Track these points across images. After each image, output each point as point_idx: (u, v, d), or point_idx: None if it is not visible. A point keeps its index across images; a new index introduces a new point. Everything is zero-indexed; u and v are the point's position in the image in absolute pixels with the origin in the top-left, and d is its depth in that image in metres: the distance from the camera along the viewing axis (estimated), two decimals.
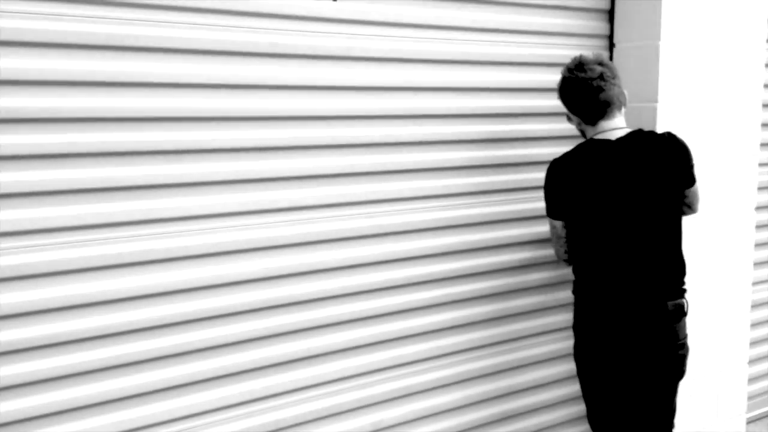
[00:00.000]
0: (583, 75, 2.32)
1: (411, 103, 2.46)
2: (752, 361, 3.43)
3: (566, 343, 3.00)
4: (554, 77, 2.61)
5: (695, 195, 2.41)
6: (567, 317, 2.97)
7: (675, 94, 2.78)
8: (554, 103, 2.55)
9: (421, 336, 2.62)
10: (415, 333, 2.61)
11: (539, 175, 2.77)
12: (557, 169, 2.41)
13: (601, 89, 2.30)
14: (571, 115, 2.44)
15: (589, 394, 2.50)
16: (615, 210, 2.29)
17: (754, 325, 3.43)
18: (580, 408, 3.09)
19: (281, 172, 2.25)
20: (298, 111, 2.25)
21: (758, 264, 3.36)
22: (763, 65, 3.07)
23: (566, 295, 2.95)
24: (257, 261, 2.23)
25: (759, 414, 3.69)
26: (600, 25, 2.89)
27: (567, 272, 2.94)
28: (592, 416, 2.53)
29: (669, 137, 2.33)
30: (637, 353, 2.32)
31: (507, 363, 2.84)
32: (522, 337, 2.87)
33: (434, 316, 2.64)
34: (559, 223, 2.46)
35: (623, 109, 2.40)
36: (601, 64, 2.34)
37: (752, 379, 3.48)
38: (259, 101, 2.18)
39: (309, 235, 2.31)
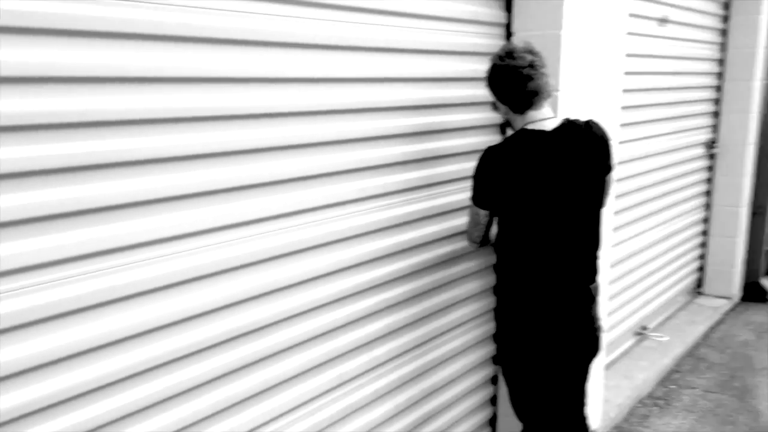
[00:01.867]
0: (513, 63, 2.26)
1: (314, 96, 2.14)
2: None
3: (478, 331, 3.03)
4: (449, 64, 2.59)
5: (610, 182, 2.50)
6: (477, 306, 2.99)
7: (573, 82, 2.86)
8: (453, 93, 2.57)
9: (360, 348, 2.45)
10: (355, 346, 2.43)
11: (451, 168, 2.73)
12: (493, 158, 2.32)
13: (530, 78, 2.26)
14: (499, 104, 2.38)
15: (515, 375, 2.51)
16: (551, 200, 2.29)
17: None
18: (490, 391, 3.16)
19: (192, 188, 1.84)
20: (205, 109, 1.83)
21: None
22: (624, 54, 3.29)
23: (477, 285, 2.97)
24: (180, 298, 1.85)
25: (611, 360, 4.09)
26: (498, 14, 2.86)
27: (477, 263, 2.95)
28: (517, 397, 2.54)
29: (596, 127, 2.38)
30: (566, 334, 2.39)
31: (430, 362, 2.78)
32: (441, 333, 2.82)
33: (371, 325, 2.48)
34: (484, 212, 2.41)
35: (549, 99, 2.39)
36: (531, 52, 2.29)
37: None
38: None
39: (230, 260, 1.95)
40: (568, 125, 2.33)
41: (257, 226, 2.01)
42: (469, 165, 2.79)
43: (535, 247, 2.33)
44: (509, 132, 2.45)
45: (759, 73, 5.27)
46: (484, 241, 2.52)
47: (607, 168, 2.42)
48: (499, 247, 2.46)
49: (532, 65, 2.26)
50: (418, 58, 2.50)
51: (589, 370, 2.54)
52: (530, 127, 2.30)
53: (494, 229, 2.52)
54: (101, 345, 1.68)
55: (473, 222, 2.46)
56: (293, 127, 2.07)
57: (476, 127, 2.84)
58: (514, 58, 2.26)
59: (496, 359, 2.70)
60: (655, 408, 3.87)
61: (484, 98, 2.81)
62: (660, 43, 4.32)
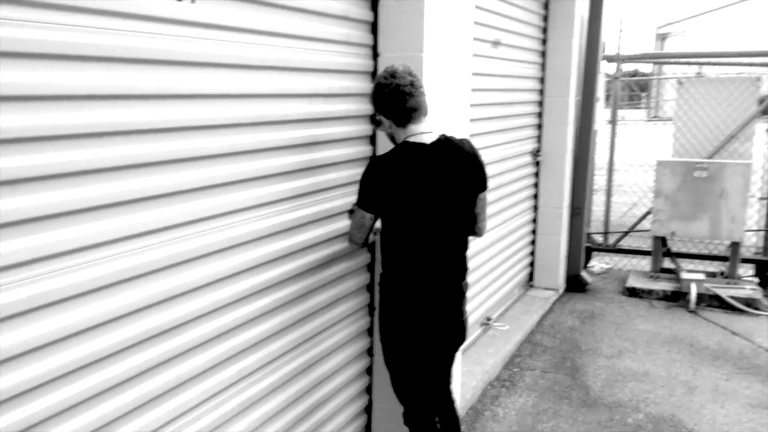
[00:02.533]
0: (396, 82, 2.59)
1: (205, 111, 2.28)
2: None
3: (355, 326, 3.29)
4: (325, 82, 2.84)
5: (485, 201, 2.86)
6: (354, 303, 3.25)
7: (434, 98, 3.21)
8: (329, 108, 2.84)
9: (257, 345, 2.63)
10: (253, 343, 2.60)
11: (330, 176, 2.98)
12: (380, 166, 2.62)
13: (411, 95, 2.60)
14: (383, 119, 2.68)
15: (396, 362, 2.80)
16: (430, 206, 2.62)
17: None
18: (366, 380, 3.43)
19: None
20: (103, 125, 1.90)
21: None
22: (471, 73, 3.71)
23: (354, 283, 3.23)
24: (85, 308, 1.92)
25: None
26: (366, 36, 3.16)
27: (354, 263, 3.22)
28: (398, 382, 2.85)
29: (469, 145, 2.75)
30: (442, 325, 2.74)
31: (316, 355, 3.00)
32: (325, 328, 3.05)
33: (265, 323, 2.66)
34: (369, 215, 2.67)
35: (427, 115, 2.72)
36: (410, 74, 2.63)
37: None
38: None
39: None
40: (445, 141, 2.67)
41: (160, 234, 2.13)
42: (346, 173, 3.08)
43: (414, 247, 2.64)
44: (381, 143, 2.76)
45: (572, 90, 6.01)
46: (365, 243, 2.80)
47: (480, 184, 2.77)
48: (383, 246, 2.74)
49: (412, 84, 2.60)
50: (299, 76, 2.72)
51: (455, 356, 2.90)
52: (411, 140, 2.62)
53: (373, 236, 2.81)
54: (12, 356, 1.72)
55: (358, 224, 2.71)
56: (191, 141, 2.21)
57: (350, 138, 3.10)
58: (396, 78, 2.58)
59: (371, 351, 3.00)
60: (503, 389, 4.34)
61: (356, 112, 3.11)
62: (494, 63, 4.85)
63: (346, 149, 3.09)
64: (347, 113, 3.05)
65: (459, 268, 2.76)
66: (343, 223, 3.05)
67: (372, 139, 3.27)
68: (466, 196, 2.73)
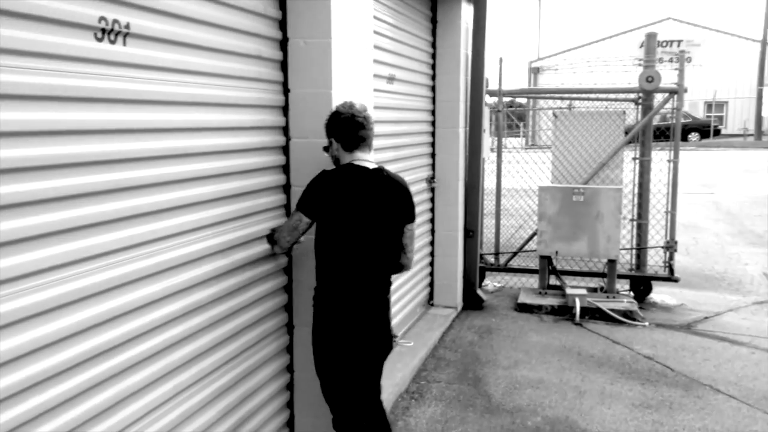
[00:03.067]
0: (353, 112, 2.99)
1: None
2: None
3: (277, 342, 3.46)
4: (238, 116, 3.05)
5: (413, 233, 3.17)
6: (275, 322, 3.43)
7: None
8: (245, 140, 3.09)
9: (188, 363, 2.76)
10: (184, 362, 2.73)
11: (249, 204, 3.17)
12: (327, 177, 2.94)
13: (363, 126, 3.00)
14: (334, 142, 3.02)
15: (328, 371, 3.01)
16: (365, 220, 2.92)
17: None
18: (287, 378, 3.58)
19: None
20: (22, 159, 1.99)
21: None
22: (373, 107, 4.01)
23: (273, 303, 3.41)
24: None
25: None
26: (276, 73, 3.38)
27: (272, 283, 3.40)
28: (329, 390, 3.05)
29: (403, 180, 3.13)
30: (373, 334, 2.99)
31: (242, 371, 3.15)
32: (249, 347, 3.21)
33: (196, 342, 2.80)
34: (306, 219, 2.93)
35: (371, 150, 3.08)
36: (365, 110, 3.04)
37: None
38: None
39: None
40: (383, 170, 3.03)
41: (93, 261, 2.26)
42: (262, 201, 3.27)
43: (346, 258, 2.91)
44: (295, 173, 3.07)
45: (461, 121, 6.45)
46: (289, 249, 3.06)
47: (409, 215, 3.10)
48: (318, 259, 2.98)
49: (365, 119, 3.00)
50: (215, 111, 2.91)
51: (383, 366, 3.14)
52: (356, 163, 2.96)
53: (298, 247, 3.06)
54: None
55: (292, 227, 2.96)
56: (120, 173, 2.36)
57: (264, 168, 3.31)
58: (353, 110, 2.99)
59: (291, 367, 3.19)
60: (413, 400, 4.60)
61: (269, 144, 3.32)
62: (390, 97, 5.18)
63: (260, 178, 3.28)
64: (261, 144, 3.26)
65: (384, 283, 3.02)
66: (262, 248, 3.24)
67: (285, 169, 3.48)
68: (397, 221, 3.04)
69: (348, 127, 2.98)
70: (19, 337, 1.99)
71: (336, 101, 3.40)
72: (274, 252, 3.17)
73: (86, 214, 2.23)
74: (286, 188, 3.49)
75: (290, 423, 3.66)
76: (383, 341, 3.04)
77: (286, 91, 3.45)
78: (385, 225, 2.99)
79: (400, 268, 3.18)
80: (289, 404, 3.64)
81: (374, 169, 2.99)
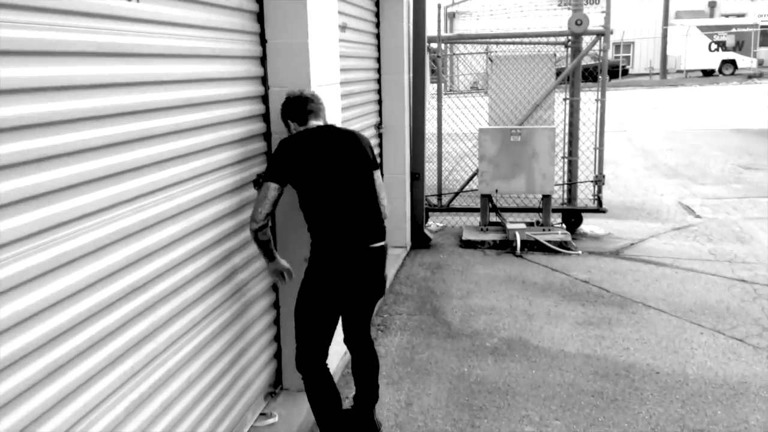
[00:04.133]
0: (300, 92, 3.37)
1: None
2: None
3: (263, 283, 3.69)
4: (219, 68, 3.16)
5: (380, 180, 3.41)
6: (261, 264, 3.64)
7: (318, 78, 3.68)
8: (223, 91, 3.20)
9: (179, 314, 2.89)
10: (176, 312, 2.84)
11: (239, 151, 3.35)
12: (287, 142, 3.16)
13: (311, 101, 3.36)
14: (290, 122, 3.35)
15: (310, 316, 3.23)
16: (335, 170, 3.15)
17: None
18: (275, 330, 3.85)
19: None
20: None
21: None
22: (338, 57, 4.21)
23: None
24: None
25: None
26: (253, 24, 3.53)
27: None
28: (305, 332, 3.25)
29: (355, 131, 3.39)
30: (370, 280, 3.26)
31: (235, 311, 3.39)
32: (238, 289, 3.43)
33: (187, 292, 2.94)
34: (274, 185, 3.09)
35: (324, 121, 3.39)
36: (312, 92, 3.41)
37: None
38: None
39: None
40: (333, 126, 3.34)
41: (78, 223, 2.21)
42: (245, 149, 3.45)
43: (329, 208, 3.14)
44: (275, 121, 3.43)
45: (406, 68, 6.69)
46: (265, 220, 3.11)
47: (370, 161, 3.33)
48: (307, 219, 3.20)
49: (313, 95, 3.37)
50: (192, 63, 2.95)
51: (375, 306, 3.45)
52: (310, 127, 3.28)
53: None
54: None
55: (261, 197, 3.08)
56: (101, 130, 2.31)
57: (242, 118, 3.44)
58: (301, 94, 3.36)
59: (277, 304, 3.45)
60: (379, 332, 4.94)
61: (246, 94, 3.49)
62: (344, 45, 5.36)
63: (240, 128, 3.44)
64: (238, 95, 3.40)
65: (377, 229, 3.25)
66: (249, 193, 3.44)
67: (266, 117, 3.67)
68: (362, 168, 3.26)
69: (298, 105, 3.35)
70: (52, 285, 2.10)
71: (313, 51, 3.60)
72: (252, 229, 3.13)
73: (91, 169, 2.25)
74: (267, 136, 3.68)
75: (278, 354, 3.94)
76: (376, 285, 3.30)
77: (263, 42, 3.61)
78: (352, 172, 3.20)
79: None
80: (276, 337, 3.90)
81: (325, 126, 3.33)
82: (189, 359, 2.95)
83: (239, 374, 3.44)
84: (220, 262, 3.23)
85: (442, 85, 7.91)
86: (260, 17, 3.59)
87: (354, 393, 3.60)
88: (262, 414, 3.68)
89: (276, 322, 3.89)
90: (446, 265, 6.57)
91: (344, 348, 3.57)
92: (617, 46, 37.27)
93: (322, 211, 3.15)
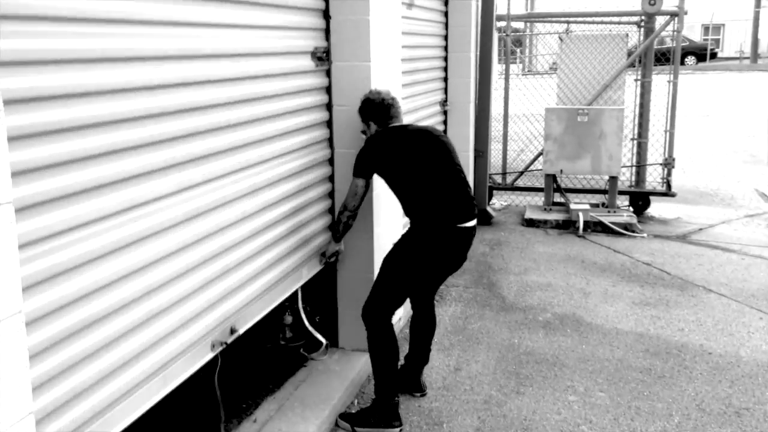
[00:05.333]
0: (382, 97, 3.57)
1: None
2: None
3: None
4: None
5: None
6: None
7: (378, 53, 3.83)
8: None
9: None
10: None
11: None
12: (378, 143, 3.47)
13: (393, 106, 3.58)
14: (372, 124, 3.57)
15: (399, 286, 3.47)
16: (430, 164, 3.38)
17: None
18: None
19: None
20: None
21: None
22: (401, 33, 4.34)
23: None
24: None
25: None
26: (317, 1, 3.71)
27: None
28: (388, 298, 3.48)
29: (432, 127, 3.67)
30: (458, 256, 3.52)
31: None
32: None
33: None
34: (362, 182, 3.44)
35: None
36: (389, 94, 3.60)
37: None
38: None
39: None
40: (409, 125, 3.63)
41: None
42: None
43: (425, 195, 3.36)
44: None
45: (473, 46, 6.75)
46: (355, 210, 3.52)
47: (454, 151, 3.55)
48: (406, 210, 3.45)
49: (393, 99, 3.57)
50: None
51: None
52: (391, 126, 3.55)
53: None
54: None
55: (352, 193, 3.47)
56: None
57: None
58: (381, 95, 3.56)
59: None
60: (435, 302, 5.08)
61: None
62: (409, 23, 5.48)
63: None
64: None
65: (469, 209, 3.45)
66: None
67: (328, 90, 3.86)
68: (450, 155, 3.47)
69: (381, 110, 3.54)
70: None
71: (374, 29, 3.75)
72: (344, 215, 3.54)
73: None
74: (329, 124, 3.91)
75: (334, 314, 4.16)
76: (461, 261, 3.57)
77: (327, 17, 3.78)
78: (442, 161, 3.41)
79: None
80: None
81: (405, 125, 3.58)
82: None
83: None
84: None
85: (519, 65, 7.90)
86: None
87: (407, 353, 3.79)
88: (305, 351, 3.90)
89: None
90: (506, 242, 6.64)
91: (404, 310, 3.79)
92: (706, 28, 35.93)
93: (421, 196, 3.38)
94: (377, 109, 3.54)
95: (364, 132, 3.66)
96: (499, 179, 8.02)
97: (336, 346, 4.17)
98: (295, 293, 3.86)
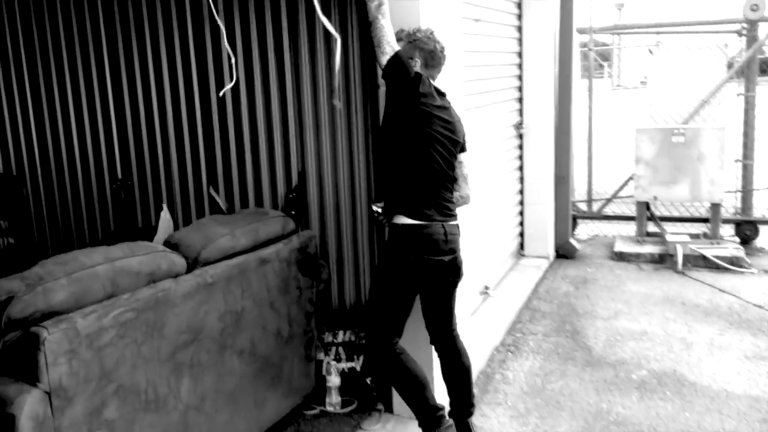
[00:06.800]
0: (441, 46, 3.04)
1: None
2: None
3: None
4: None
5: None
6: None
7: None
8: None
9: None
10: None
11: None
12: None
13: (441, 65, 3.08)
14: (417, 60, 2.97)
15: (391, 301, 2.98)
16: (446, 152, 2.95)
17: None
18: None
19: None
20: None
21: None
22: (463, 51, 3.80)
23: None
24: None
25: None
26: None
27: None
28: (383, 317, 3.00)
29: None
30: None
31: None
32: None
33: None
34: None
35: None
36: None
37: None
38: None
39: None
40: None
41: None
42: None
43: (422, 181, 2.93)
44: None
45: (550, 62, 6.13)
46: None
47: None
48: (394, 185, 2.98)
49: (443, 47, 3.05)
50: None
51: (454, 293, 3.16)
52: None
53: None
54: None
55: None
56: None
57: None
58: (440, 43, 3.04)
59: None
60: (509, 353, 4.46)
61: None
62: (476, 40, 4.93)
63: None
64: None
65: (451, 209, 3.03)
66: None
67: None
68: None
69: (434, 57, 2.99)
70: None
71: None
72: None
73: None
74: None
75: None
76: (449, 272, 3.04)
77: None
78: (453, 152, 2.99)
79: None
80: None
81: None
82: None
83: None
84: None
85: (601, 80, 7.21)
86: None
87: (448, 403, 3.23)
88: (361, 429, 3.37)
89: None
90: (593, 279, 5.92)
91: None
92: None
93: (420, 179, 2.95)
94: (432, 54, 2.98)
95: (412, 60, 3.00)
96: (583, 207, 7.30)
97: (390, 411, 3.61)
98: (344, 350, 3.36)
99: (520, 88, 6.12)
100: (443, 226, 2.94)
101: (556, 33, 6.24)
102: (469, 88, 4.71)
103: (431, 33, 3.00)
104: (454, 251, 3.00)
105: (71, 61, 4.50)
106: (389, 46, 2.78)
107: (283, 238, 3.19)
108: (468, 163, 3.12)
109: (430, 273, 2.94)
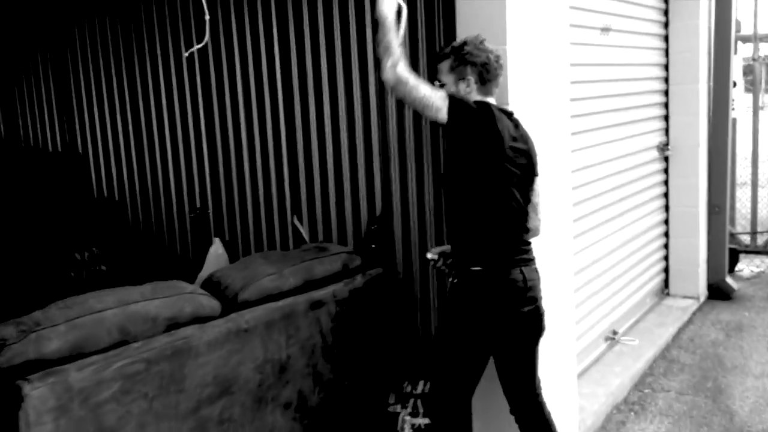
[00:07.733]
0: (495, 54, 2.59)
1: None
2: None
3: None
4: None
5: None
6: None
7: (520, 93, 2.88)
8: None
9: None
10: None
11: None
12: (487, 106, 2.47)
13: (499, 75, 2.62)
14: (470, 79, 2.54)
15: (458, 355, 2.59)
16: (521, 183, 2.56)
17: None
18: None
19: None
20: None
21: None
22: (569, 64, 3.33)
23: None
24: None
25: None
26: None
27: None
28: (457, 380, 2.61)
29: None
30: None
31: None
32: None
33: None
34: (442, 96, 2.35)
35: None
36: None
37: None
38: None
39: None
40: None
41: None
42: None
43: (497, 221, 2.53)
44: None
45: (703, 76, 5.38)
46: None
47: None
48: (465, 227, 2.58)
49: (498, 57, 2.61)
50: None
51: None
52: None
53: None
54: None
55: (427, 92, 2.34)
56: None
57: None
58: (494, 51, 2.61)
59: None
60: (631, 414, 3.85)
61: None
62: (605, 51, 4.39)
63: None
64: None
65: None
66: None
67: None
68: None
69: (491, 70, 2.54)
70: None
71: (513, 57, 2.82)
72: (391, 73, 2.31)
73: None
74: None
75: None
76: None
77: None
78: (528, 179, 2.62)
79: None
80: None
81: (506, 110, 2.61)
82: None
83: None
84: None
85: (760, 97, 6.30)
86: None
87: None
88: None
89: None
90: (750, 326, 5.07)
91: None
92: None
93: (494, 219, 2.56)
94: (486, 67, 2.52)
95: (441, 84, 2.55)
96: (746, 240, 6.37)
97: None
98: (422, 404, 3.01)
99: (665, 105, 5.43)
100: (522, 272, 2.50)
101: (711, 41, 5.48)
102: (594, 106, 4.20)
103: (481, 42, 2.56)
104: (535, 300, 2.55)
105: (168, 97, 4.59)
106: (417, 80, 2.32)
107: (346, 276, 2.89)
108: (540, 189, 2.65)
109: (507, 328, 2.51)
